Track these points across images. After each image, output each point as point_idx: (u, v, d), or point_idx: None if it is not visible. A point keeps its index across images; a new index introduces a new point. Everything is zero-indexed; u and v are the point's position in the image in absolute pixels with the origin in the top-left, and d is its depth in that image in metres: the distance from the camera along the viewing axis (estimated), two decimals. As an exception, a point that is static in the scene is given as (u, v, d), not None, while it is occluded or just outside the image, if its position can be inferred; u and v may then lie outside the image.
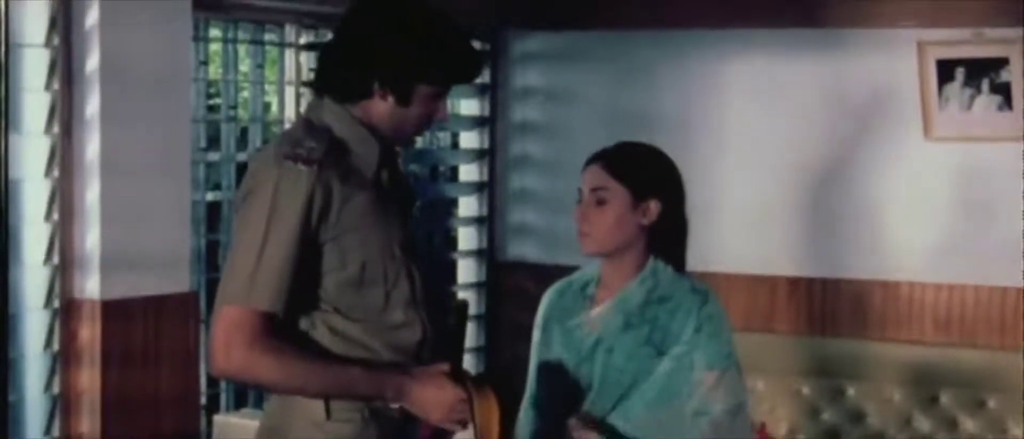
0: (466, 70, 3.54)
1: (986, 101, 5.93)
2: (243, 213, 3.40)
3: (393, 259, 3.43)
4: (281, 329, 3.35)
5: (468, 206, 6.98)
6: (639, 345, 3.66)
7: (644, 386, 3.64)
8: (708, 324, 3.67)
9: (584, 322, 3.76)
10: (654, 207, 3.71)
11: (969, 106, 5.96)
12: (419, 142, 6.92)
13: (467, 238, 7.01)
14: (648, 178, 3.71)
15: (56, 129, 5.00)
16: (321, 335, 3.42)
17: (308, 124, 3.47)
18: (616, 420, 3.65)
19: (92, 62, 4.99)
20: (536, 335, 3.90)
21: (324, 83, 3.52)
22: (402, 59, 3.41)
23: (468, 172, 6.99)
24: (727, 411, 3.65)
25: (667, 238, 3.75)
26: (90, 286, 5.03)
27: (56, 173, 5.02)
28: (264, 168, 3.42)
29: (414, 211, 3.65)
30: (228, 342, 3.33)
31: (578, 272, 3.90)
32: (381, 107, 3.44)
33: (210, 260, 5.81)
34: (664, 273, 3.72)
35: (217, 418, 4.97)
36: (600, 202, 3.68)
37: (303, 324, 3.42)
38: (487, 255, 6.97)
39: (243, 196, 3.42)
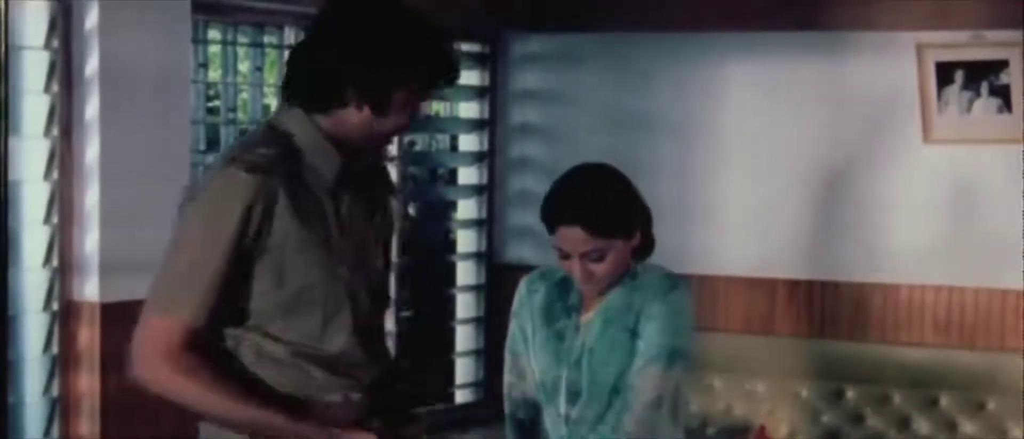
0: (447, 72, 3.28)
1: (985, 104, 5.93)
2: (180, 217, 3.21)
3: (337, 282, 3.20)
4: (205, 344, 3.15)
5: (467, 209, 6.96)
6: (618, 334, 3.67)
7: (627, 381, 3.65)
8: (665, 312, 3.64)
9: (569, 331, 3.75)
10: (638, 235, 3.71)
11: (968, 109, 5.95)
12: (418, 144, 6.99)
13: (466, 241, 6.99)
14: (631, 218, 3.69)
15: (55, 131, 5.00)
16: (246, 354, 3.21)
17: (270, 130, 3.25)
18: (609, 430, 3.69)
19: (91, 65, 4.99)
20: (514, 337, 3.87)
21: (293, 91, 3.24)
22: (379, 68, 3.16)
23: (467, 175, 6.97)
24: (647, 405, 3.63)
25: (644, 245, 3.76)
26: (89, 289, 5.03)
27: (55, 175, 5.01)
28: (210, 172, 3.26)
29: (399, 229, 3.46)
30: (147, 354, 3.17)
31: (551, 267, 3.86)
32: (355, 117, 3.18)
33: None
34: (639, 268, 3.72)
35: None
36: (599, 257, 3.64)
37: (229, 341, 3.21)
38: (486, 258, 6.96)
39: (184, 199, 3.23)
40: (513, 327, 3.88)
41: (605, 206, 3.65)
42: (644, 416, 3.62)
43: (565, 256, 3.65)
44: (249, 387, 3.17)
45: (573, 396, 3.73)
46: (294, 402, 3.18)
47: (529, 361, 3.83)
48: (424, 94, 3.28)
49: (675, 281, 3.69)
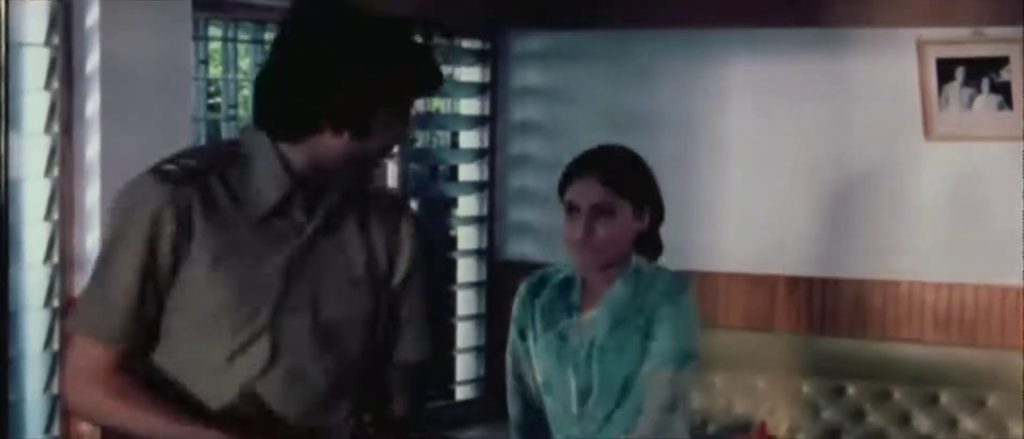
0: (430, 79, 2.95)
1: (986, 100, 5.91)
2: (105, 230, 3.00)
3: (254, 316, 2.92)
4: (136, 363, 2.96)
5: (468, 205, 6.96)
6: (629, 335, 3.67)
7: (637, 381, 3.65)
8: (676, 315, 3.66)
9: (573, 330, 3.75)
10: (647, 215, 3.72)
11: (969, 105, 5.94)
12: (419, 141, 6.97)
13: (467, 237, 6.99)
14: (645, 189, 3.72)
15: (56, 129, 4.99)
16: (164, 378, 2.98)
17: (226, 144, 3.04)
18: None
19: (92, 62, 4.98)
20: (520, 339, 3.87)
21: (259, 122, 2.94)
22: (351, 88, 2.83)
23: (468, 171, 6.97)
24: (661, 407, 3.64)
25: (650, 238, 3.77)
26: None
27: (56, 173, 5.00)
28: (132, 181, 3.02)
29: (354, 274, 3.01)
30: (74, 379, 3.00)
31: (550, 270, 3.87)
32: (333, 144, 2.88)
33: None
34: (645, 266, 3.73)
35: None
36: (607, 216, 3.66)
37: (156, 360, 2.99)
38: (487, 255, 6.96)
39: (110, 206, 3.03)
40: (513, 331, 3.88)
41: (624, 164, 3.75)
42: (658, 418, 3.64)
43: (573, 211, 3.67)
44: (182, 402, 2.93)
45: (583, 395, 3.73)
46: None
47: (531, 363, 3.83)
48: (407, 107, 2.96)
49: (685, 282, 3.71)
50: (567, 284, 3.80)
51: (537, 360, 3.81)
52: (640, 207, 3.72)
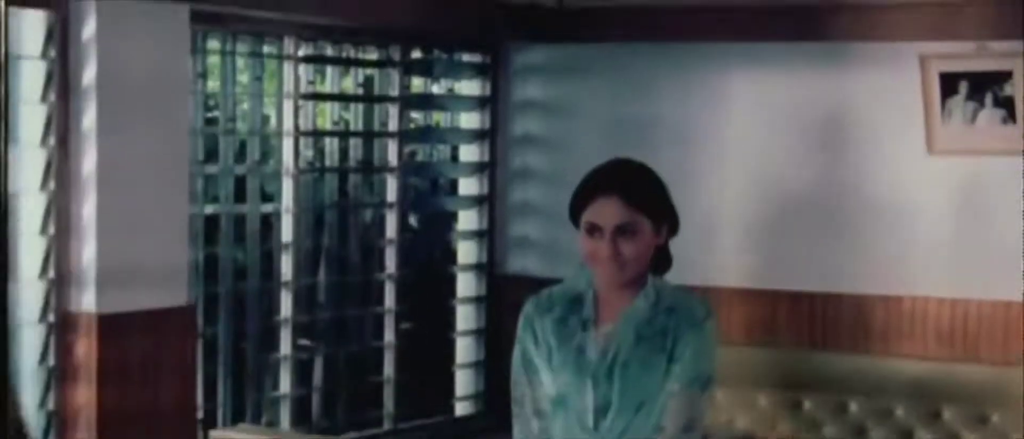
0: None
1: (989, 115, 5.90)
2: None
3: None
4: None
5: (468, 219, 6.95)
6: (653, 354, 3.67)
7: (655, 400, 3.64)
8: (702, 340, 3.68)
9: (591, 344, 3.73)
10: (665, 231, 3.72)
11: (972, 120, 5.93)
12: (419, 155, 6.95)
13: (467, 252, 6.98)
14: (664, 205, 3.72)
15: (52, 141, 4.99)
16: None
17: None
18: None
19: (89, 74, 4.99)
20: (527, 356, 3.83)
21: None
22: None
23: (468, 185, 6.96)
24: (682, 428, 3.65)
25: (664, 253, 3.75)
26: (86, 300, 5.02)
27: (52, 186, 5.01)
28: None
29: None
30: None
31: (557, 287, 3.85)
32: None
33: (208, 273, 5.78)
34: (662, 285, 3.72)
35: (213, 434, 4.95)
36: (630, 234, 3.65)
37: None
38: (487, 269, 6.94)
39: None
40: (518, 350, 3.85)
41: (643, 181, 3.71)
42: (679, 437, 3.63)
43: (594, 231, 3.64)
44: None
45: (603, 409, 3.71)
46: None
47: (540, 379, 3.79)
48: None
49: (710, 309, 3.73)
50: (578, 300, 3.79)
51: (552, 374, 3.77)
52: (659, 223, 3.71)
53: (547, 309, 3.80)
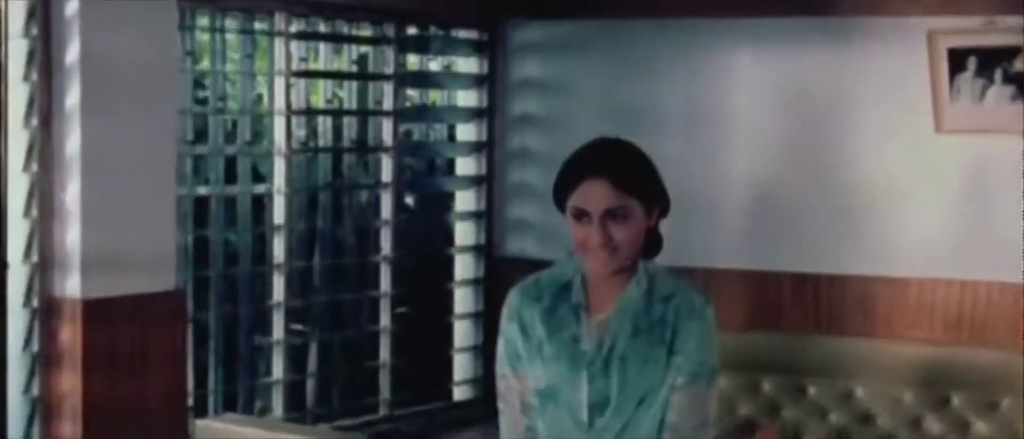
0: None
1: (999, 92, 5.82)
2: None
3: None
4: None
5: (466, 200, 6.89)
6: (653, 347, 3.54)
7: (654, 395, 3.51)
8: (704, 329, 3.56)
9: (584, 333, 3.59)
10: (656, 214, 3.58)
11: (981, 97, 5.85)
12: (416, 133, 6.88)
13: (465, 233, 6.91)
14: (654, 186, 3.58)
15: (35, 122, 4.91)
16: None
17: None
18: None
19: (72, 52, 4.90)
20: (513, 347, 3.69)
21: None
22: None
23: (465, 165, 6.89)
24: (694, 426, 3.53)
25: (655, 239, 3.62)
26: (71, 285, 4.94)
27: (35, 168, 4.92)
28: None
29: None
30: None
31: (544, 274, 3.72)
32: None
33: (198, 257, 5.71)
34: (655, 271, 3.59)
35: (199, 423, 4.85)
36: (620, 219, 3.50)
37: None
38: (486, 250, 6.88)
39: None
40: (503, 341, 3.71)
41: (632, 161, 3.57)
42: (690, 435, 3.50)
43: (583, 217, 3.50)
44: None
45: (600, 404, 3.57)
46: None
47: (528, 372, 3.66)
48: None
49: (708, 297, 3.60)
50: (567, 287, 3.64)
51: (544, 366, 3.63)
52: (650, 205, 3.56)
53: (535, 298, 3.66)
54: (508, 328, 3.69)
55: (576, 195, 3.52)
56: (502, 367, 3.71)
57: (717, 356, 3.59)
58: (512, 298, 3.71)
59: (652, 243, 3.63)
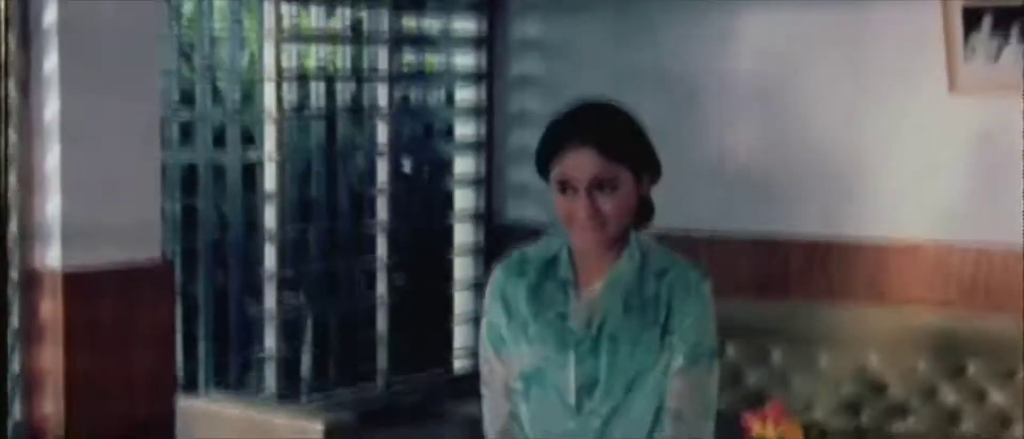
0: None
1: (1015, 51, 5.72)
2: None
3: None
4: None
5: (465, 166, 6.84)
6: (645, 326, 3.34)
7: (646, 377, 3.32)
8: (702, 308, 3.37)
9: (573, 311, 3.40)
10: (647, 181, 3.38)
11: (996, 57, 5.76)
12: (413, 97, 6.82)
13: (464, 200, 6.86)
14: (644, 152, 3.38)
15: (11, 88, 4.79)
16: None
17: None
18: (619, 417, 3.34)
19: (50, 15, 4.80)
20: (496, 329, 3.51)
21: None
22: None
23: (464, 130, 6.83)
24: (699, 414, 3.34)
25: (645, 207, 3.42)
26: (51, 256, 4.84)
27: (13, 136, 4.81)
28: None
29: None
30: None
31: (530, 249, 3.53)
32: None
33: (186, 226, 5.62)
34: (647, 244, 3.39)
35: (181, 402, 4.74)
36: (609, 189, 3.30)
37: None
38: (486, 218, 6.83)
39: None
40: (486, 322, 3.53)
41: (620, 127, 3.35)
42: (698, 423, 3.33)
43: (568, 189, 3.31)
44: None
45: (588, 387, 3.38)
46: None
47: (512, 355, 3.47)
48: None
49: (704, 272, 3.39)
50: (553, 261, 3.45)
51: (528, 346, 3.44)
52: (640, 173, 3.36)
53: (519, 274, 3.46)
54: (491, 308, 3.50)
55: (560, 165, 3.31)
56: (485, 351, 3.52)
57: (715, 336, 3.40)
58: (496, 275, 3.52)
59: (643, 211, 3.44)
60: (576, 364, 3.35)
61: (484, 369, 3.51)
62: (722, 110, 6.29)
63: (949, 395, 5.72)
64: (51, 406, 4.82)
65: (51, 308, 4.81)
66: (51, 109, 4.79)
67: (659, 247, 3.40)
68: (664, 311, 3.32)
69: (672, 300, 3.33)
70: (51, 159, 4.80)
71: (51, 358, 4.82)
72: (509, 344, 3.44)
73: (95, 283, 4.87)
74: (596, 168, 3.26)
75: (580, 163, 3.27)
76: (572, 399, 3.37)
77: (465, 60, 6.77)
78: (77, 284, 4.82)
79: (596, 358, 3.34)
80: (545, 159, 3.35)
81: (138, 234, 5.04)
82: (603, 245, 3.33)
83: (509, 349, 3.44)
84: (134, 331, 5.00)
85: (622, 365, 3.33)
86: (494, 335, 3.46)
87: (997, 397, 5.64)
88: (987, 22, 5.75)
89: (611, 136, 3.29)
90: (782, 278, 6.18)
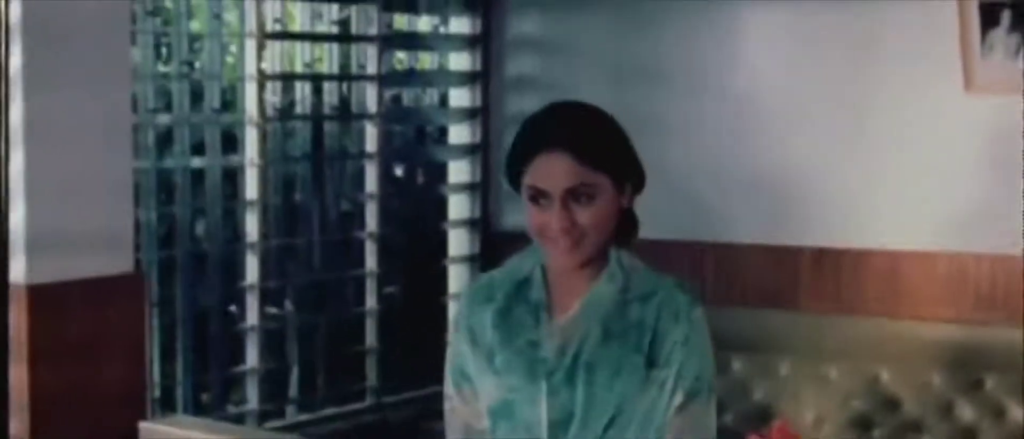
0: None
1: (1035, 49, 5.72)
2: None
3: None
4: None
5: (459, 171, 6.73)
6: (626, 355, 3.10)
7: (629, 413, 3.07)
8: (695, 335, 3.15)
9: (545, 338, 3.15)
10: (629, 191, 3.14)
11: (1016, 54, 5.64)
12: (404, 99, 6.81)
13: (458, 206, 6.74)
14: (625, 158, 3.14)
15: None
16: None
17: None
18: None
19: (13, 11, 4.63)
20: (459, 362, 3.29)
21: None
22: None
23: (458, 133, 6.74)
24: None
25: (628, 220, 3.18)
26: (15, 269, 4.68)
27: None
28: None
29: None
30: None
31: (499, 271, 3.30)
32: None
33: (163, 236, 5.53)
34: (630, 263, 3.15)
35: (142, 425, 4.64)
36: (586, 199, 3.06)
37: None
38: (481, 225, 6.74)
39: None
40: (450, 354, 3.31)
41: (598, 130, 3.14)
42: None
43: (540, 199, 3.07)
44: None
45: (562, 422, 3.13)
46: None
47: (475, 391, 3.24)
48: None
49: (694, 292, 3.17)
50: (525, 283, 3.21)
51: (494, 379, 3.19)
52: (621, 182, 3.11)
53: (486, 299, 3.23)
54: (454, 339, 3.29)
55: (531, 172, 3.08)
56: (447, 387, 3.31)
57: (713, 365, 3.20)
58: (461, 303, 3.30)
59: (626, 226, 3.19)
60: (548, 396, 3.10)
61: (445, 407, 3.29)
62: (726, 112, 6.18)
63: (966, 411, 5.61)
64: (15, 424, 4.66)
65: (15, 323, 4.65)
66: (15, 111, 4.64)
67: (644, 266, 3.17)
68: (648, 338, 3.09)
69: (658, 326, 3.10)
70: (15, 165, 4.65)
71: (16, 374, 4.66)
72: (473, 379, 3.21)
73: (63, 296, 4.77)
74: (572, 175, 3.03)
75: (553, 170, 3.04)
76: (544, 435, 3.12)
77: (459, 60, 6.68)
78: (43, 297, 4.72)
79: (571, 389, 3.09)
80: (516, 166, 3.10)
81: (108, 244, 4.93)
82: (579, 263, 3.09)
83: (473, 383, 3.21)
84: (104, 347, 4.89)
85: (600, 398, 3.08)
86: (456, 370, 3.25)
87: (1016, 413, 5.53)
88: (1006, 17, 5.64)
89: (588, 140, 3.05)
90: (791, 288, 6.08)
